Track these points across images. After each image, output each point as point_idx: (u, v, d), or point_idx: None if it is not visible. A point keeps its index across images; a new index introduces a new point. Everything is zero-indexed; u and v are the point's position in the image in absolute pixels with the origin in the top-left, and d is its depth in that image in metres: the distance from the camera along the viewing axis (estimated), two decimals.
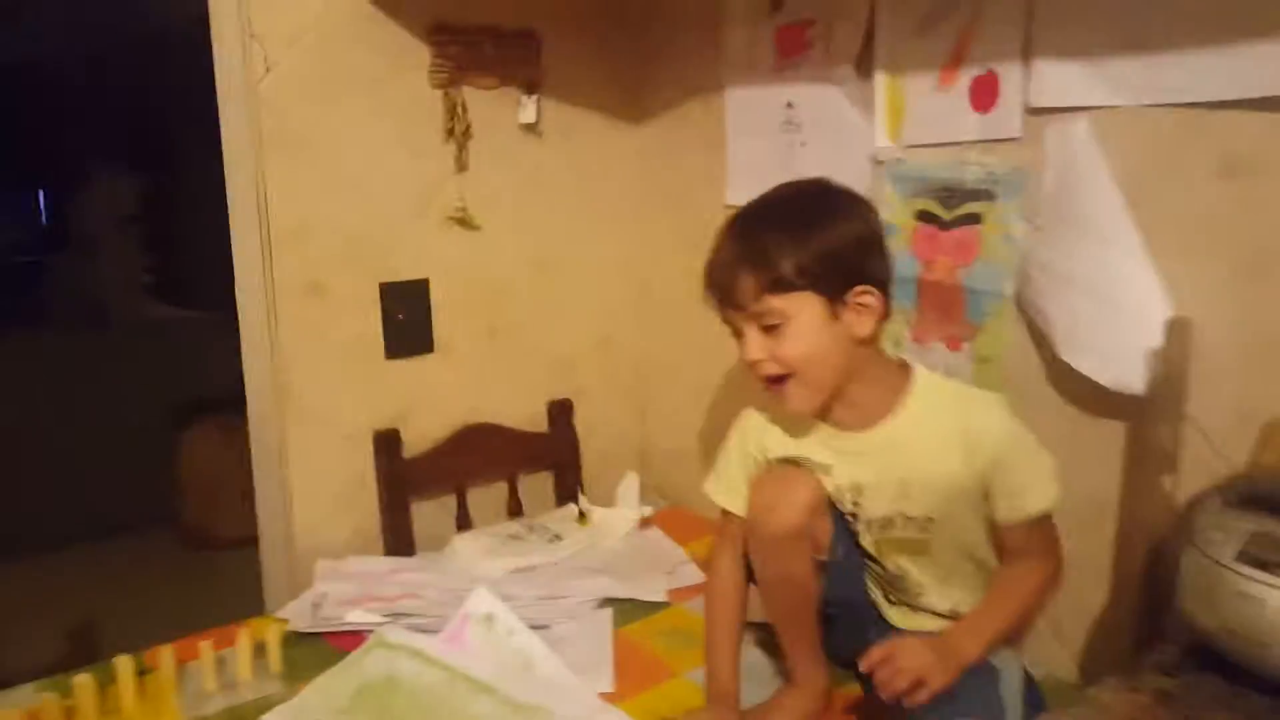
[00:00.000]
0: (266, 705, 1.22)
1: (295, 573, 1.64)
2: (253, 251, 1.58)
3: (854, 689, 1.22)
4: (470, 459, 1.81)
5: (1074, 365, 1.18)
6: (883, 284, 1.08)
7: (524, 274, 1.85)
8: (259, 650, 1.32)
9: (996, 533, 1.12)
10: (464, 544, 1.67)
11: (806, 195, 1.11)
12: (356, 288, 1.66)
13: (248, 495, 3.42)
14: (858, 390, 1.11)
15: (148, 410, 3.40)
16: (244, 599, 1.59)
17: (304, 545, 1.65)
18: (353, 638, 1.37)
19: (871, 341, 1.10)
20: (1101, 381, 1.15)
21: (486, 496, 1.85)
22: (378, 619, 1.40)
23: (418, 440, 1.75)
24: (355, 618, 1.40)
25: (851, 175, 1.46)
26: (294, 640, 1.36)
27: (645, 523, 1.81)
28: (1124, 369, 1.13)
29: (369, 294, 1.68)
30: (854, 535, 1.17)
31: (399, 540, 1.71)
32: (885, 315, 1.09)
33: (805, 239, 1.05)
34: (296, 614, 1.44)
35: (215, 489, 3.34)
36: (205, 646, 1.28)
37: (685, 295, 1.88)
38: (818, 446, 1.16)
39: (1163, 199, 1.12)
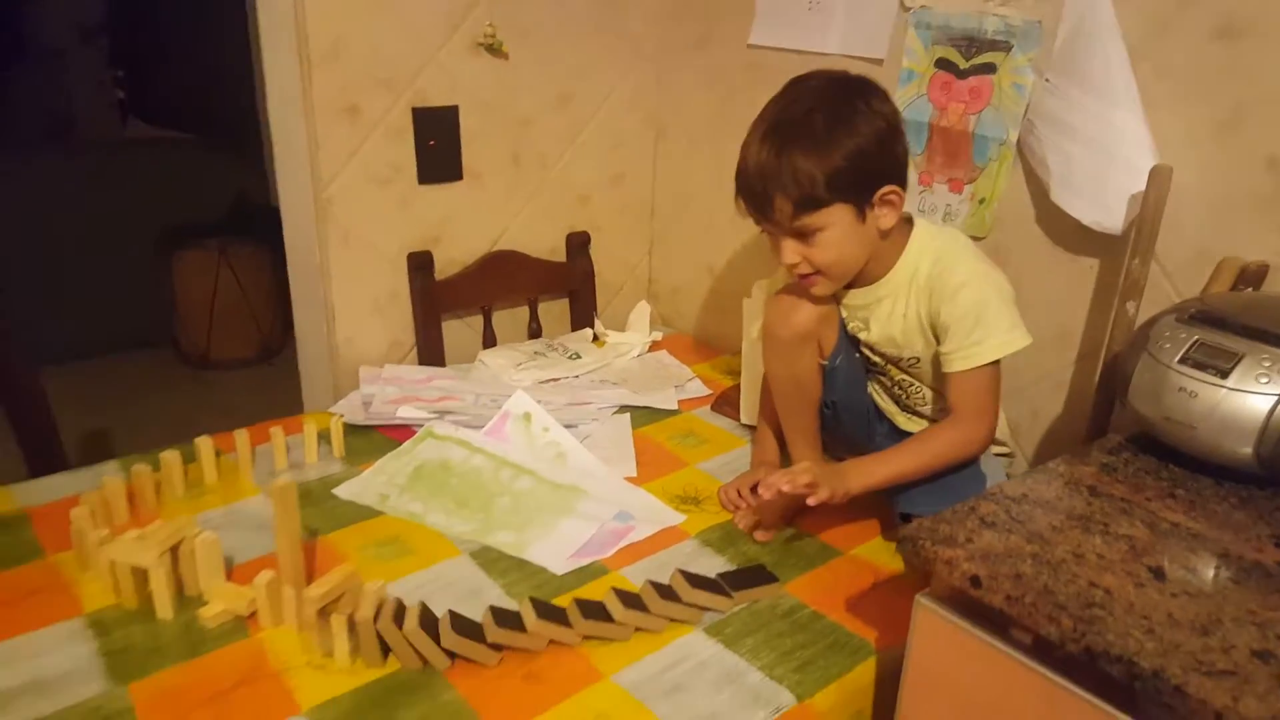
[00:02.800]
0: (333, 483, 1.39)
1: (338, 379, 1.78)
2: (289, 71, 1.63)
3: None
4: (495, 283, 1.93)
5: (1063, 207, 1.32)
6: (903, 174, 1.17)
7: (547, 107, 1.93)
8: (322, 438, 1.48)
9: (944, 385, 1.23)
10: (492, 358, 1.82)
11: (824, 102, 1.14)
12: (390, 111, 1.73)
13: (242, 319, 3.54)
14: (876, 261, 1.23)
15: (133, 234, 3.40)
16: (251, 411, 1.70)
17: (344, 354, 1.78)
18: (403, 430, 1.54)
19: (891, 231, 1.20)
20: (1085, 222, 1.30)
21: (509, 318, 1.99)
22: (425, 415, 1.56)
23: (447, 264, 1.87)
24: (405, 413, 1.56)
25: (878, 20, 1.56)
26: (349, 431, 1.52)
27: (654, 346, 1.98)
28: (1108, 212, 1.27)
29: (402, 119, 1.75)
30: (859, 348, 1.34)
31: (431, 353, 1.85)
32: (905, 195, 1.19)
33: (831, 153, 1.11)
34: (348, 410, 1.59)
35: (209, 312, 3.43)
36: (276, 431, 1.44)
37: (700, 136, 2.00)
38: (845, 295, 1.30)
39: (1160, 56, 1.24)
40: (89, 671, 0.98)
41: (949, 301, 1.18)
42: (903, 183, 1.18)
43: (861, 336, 1.31)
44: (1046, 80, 1.33)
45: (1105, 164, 1.26)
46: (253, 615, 1.08)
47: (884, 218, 1.17)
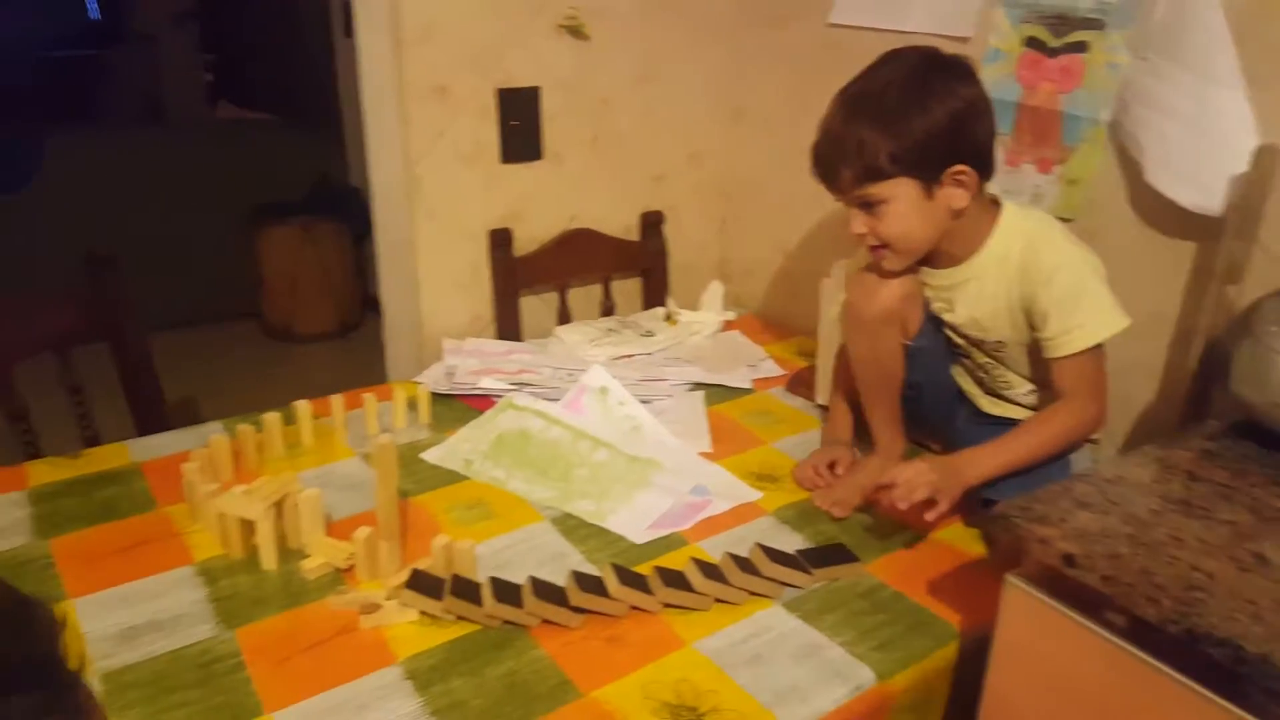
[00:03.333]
0: (420, 447, 1.43)
1: (421, 352, 1.83)
2: (382, 52, 1.67)
3: None
4: (571, 260, 1.96)
5: (1159, 188, 1.30)
6: (980, 155, 1.16)
7: (625, 87, 1.94)
8: (409, 405, 1.53)
9: (1050, 371, 1.21)
10: (567, 333, 1.85)
11: (903, 77, 1.13)
12: (476, 92, 1.77)
13: (322, 294, 3.65)
14: (949, 239, 1.22)
15: (221, 211, 3.52)
16: (331, 382, 1.75)
17: (427, 327, 1.83)
18: (484, 400, 1.57)
19: (964, 211, 1.18)
20: (1183, 204, 1.27)
21: (584, 295, 2.02)
22: (506, 386, 1.60)
23: (526, 241, 1.90)
24: (487, 384, 1.60)
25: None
26: (434, 400, 1.56)
27: (727, 326, 1.99)
28: (1207, 193, 1.24)
29: (487, 99, 1.78)
30: (943, 329, 1.34)
31: (509, 328, 1.89)
32: (985, 181, 1.18)
33: (898, 128, 1.11)
34: (433, 380, 1.64)
35: (293, 287, 3.53)
36: (369, 398, 1.48)
37: (776, 116, 1.99)
38: (928, 277, 1.29)
39: (1264, 33, 1.21)
40: (200, 615, 1.04)
41: (1045, 285, 1.17)
42: (980, 165, 1.16)
43: (946, 318, 1.30)
44: (1143, 59, 1.30)
45: (1204, 144, 1.23)
46: (350, 569, 1.12)
47: (955, 197, 1.16)
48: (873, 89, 1.14)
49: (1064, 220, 1.44)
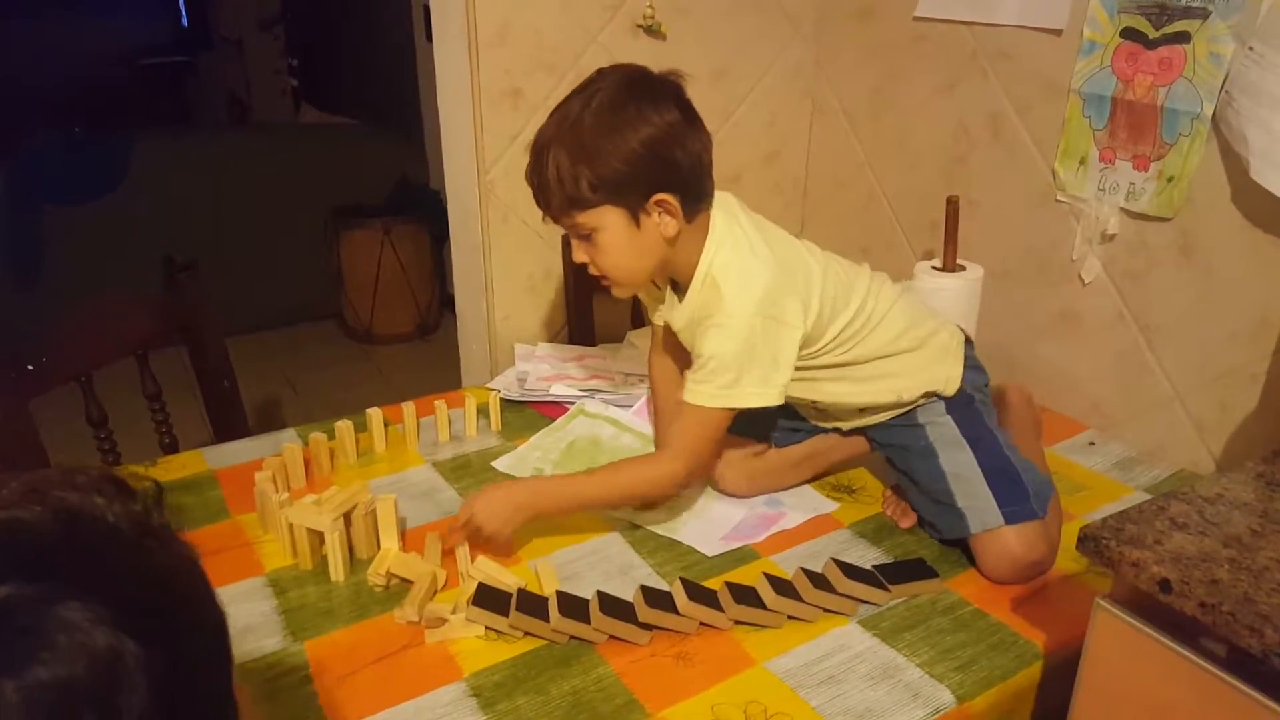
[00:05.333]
0: (490, 455, 1.43)
1: (495, 355, 1.83)
2: (458, 56, 1.67)
3: None
4: None
5: (1266, 186, 1.21)
6: (684, 181, 1.11)
7: (702, 85, 1.89)
8: (481, 412, 1.53)
9: None
10: (640, 338, 1.83)
11: (600, 103, 1.08)
12: (551, 94, 1.75)
13: (402, 295, 3.70)
14: (675, 268, 1.19)
15: (304, 213, 3.59)
16: (410, 383, 1.76)
17: (500, 331, 1.83)
18: (555, 408, 1.57)
19: (679, 238, 1.13)
20: None
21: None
22: (577, 393, 1.59)
23: None
24: (558, 390, 1.59)
25: None
26: (505, 407, 1.56)
27: None
28: None
29: (560, 100, 1.77)
30: None
31: (582, 333, 1.87)
32: (696, 205, 1.13)
33: (595, 157, 1.07)
34: (504, 387, 1.63)
35: (373, 289, 3.59)
36: (440, 405, 1.49)
37: (858, 113, 1.94)
38: (664, 311, 1.27)
39: None
40: (270, 627, 1.04)
41: (703, 327, 1.14)
42: (685, 190, 1.11)
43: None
44: (1250, 49, 1.22)
45: None
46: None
47: (664, 225, 1.11)
48: (571, 114, 1.09)
49: (1161, 219, 1.39)
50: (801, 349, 1.16)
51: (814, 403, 1.29)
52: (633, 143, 1.07)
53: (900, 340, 1.23)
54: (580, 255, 1.17)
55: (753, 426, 1.30)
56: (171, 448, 1.54)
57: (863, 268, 1.27)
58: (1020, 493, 1.16)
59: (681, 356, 1.31)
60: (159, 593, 0.48)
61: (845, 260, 1.27)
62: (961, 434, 1.21)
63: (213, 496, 1.30)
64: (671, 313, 1.24)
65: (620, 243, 1.12)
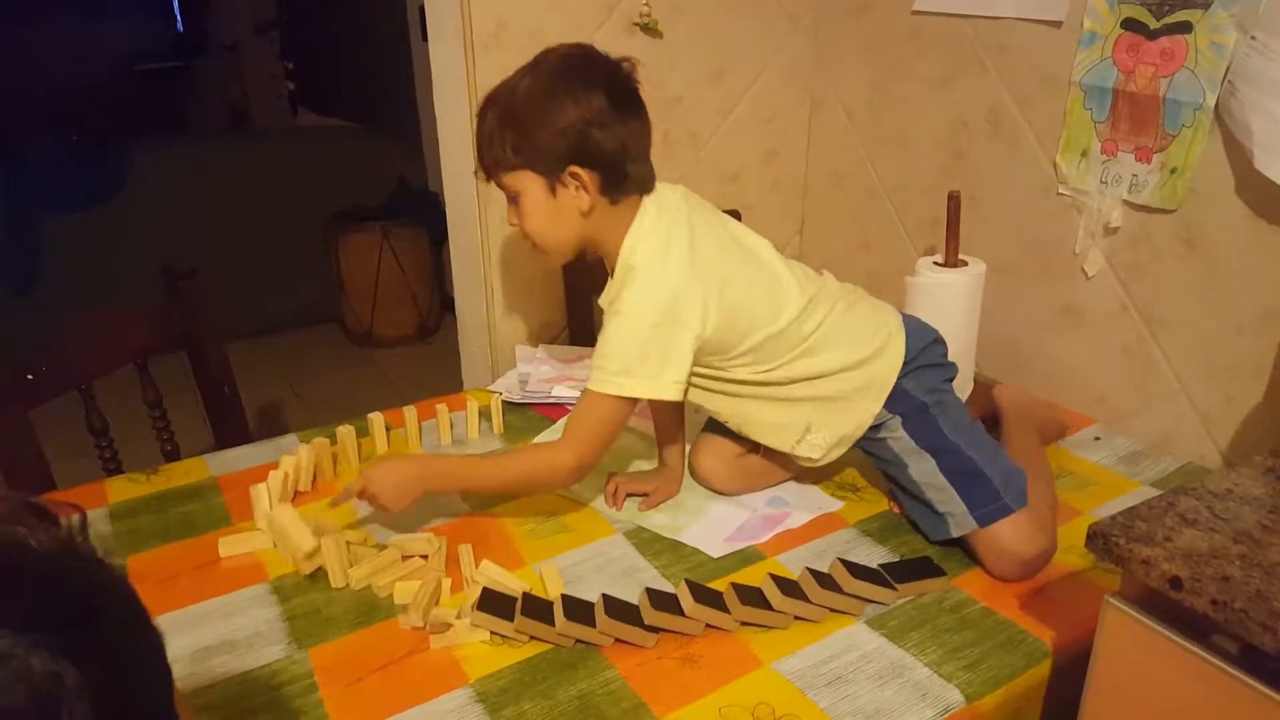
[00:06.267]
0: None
1: (495, 357, 1.82)
2: (454, 58, 1.67)
3: None
4: None
5: (1270, 176, 1.21)
6: (603, 162, 1.13)
7: (700, 84, 1.90)
8: (482, 415, 1.52)
9: None
10: None
11: (539, 74, 1.14)
12: None
13: (402, 298, 3.69)
14: (602, 249, 1.21)
15: (302, 217, 3.58)
16: (411, 386, 1.75)
17: (500, 334, 1.82)
18: (557, 409, 1.56)
19: (595, 211, 1.16)
20: None
21: None
22: (578, 394, 1.57)
23: None
24: (560, 392, 1.58)
25: None
26: (507, 409, 1.55)
27: None
28: None
29: None
30: None
31: (582, 333, 1.86)
32: (616, 191, 1.15)
33: (520, 122, 1.12)
34: (506, 389, 1.63)
35: (373, 292, 3.59)
36: (441, 409, 1.48)
37: (857, 109, 1.93)
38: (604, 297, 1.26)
39: None
40: (273, 635, 1.04)
41: (609, 313, 1.16)
42: (604, 171, 1.13)
43: None
44: (1252, 38, 1.21)
45: None
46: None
47: (579, 199, 1.15)
48: (510, 84, 1.16)
49: (1165, 211, 1.38)
50: (710, 355, 1.18)
51: (725, 422, 1.29)
52: (554, 116, 1.12)
53: (823, 382, 1.22)
54: (510, 218, 1.21)
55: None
56: (173, 455, 1.53)
57: (819, 283, 1.26)
58: (989, 493, 1.16)
59: None
60: (92, 616, 0.47)
61: (802, 273, 1.25)
62: (919, 445, 1.21)
63: (215, 504, 1.29)
64: (605, 294, 1.25)
65: (538, 208, 1.16)
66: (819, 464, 1.28)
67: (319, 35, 4.91)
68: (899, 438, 1.22)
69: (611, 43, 1.76)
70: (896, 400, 1.22)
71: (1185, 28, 1.29)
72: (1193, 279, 1.38)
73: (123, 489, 1.33)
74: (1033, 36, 1.53)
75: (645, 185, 1.19)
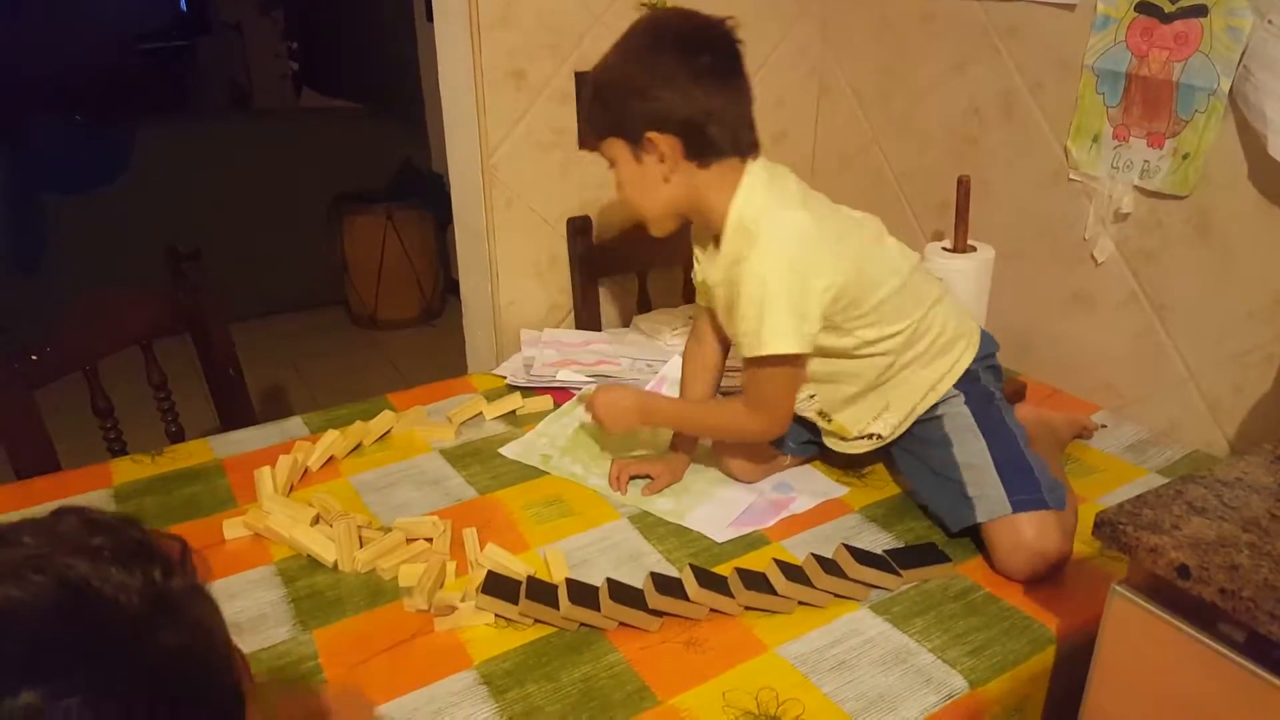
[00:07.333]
0: (498, 442, 1.42)
1: (500, 340, 1.81)
2: (459, 38, 1.65)
3: None
4: (650, 247, 1.89)
5: None
6: (686, 130, 1.11)
7: None
8: (488, 398, 1.51)
9: None
10: (647, 322, 1.82)
11: (632, 41, 1.15)
12: (554, 76, 1.73)
13: (406, 281, 3.68)
14: (705, 217, 1.19)
15: (306, 199, 3.57)
16: (415, 369, 1.74)
17: (506, 316, 1.82)
18: (562, 393, 1.55)
19: (681, 176, 1.14)
20: None
21: (664, 283, 1.97)
22: (583, 378, 1.58)
23: (604, 228, 1.86)
24: (565, 376, 1.58)
25: None
26: (512, 393, 1.54)
27: None
28: None
29: (564, 83, 1.75)
30: None
31: (588, 317, 1.86)
32: (703, 158, 1.13)
33: (608, 89, 1.15)
34: (511, 373, 1.62)
35: (377, 274, 3.58)
36: (447, 392, 1.48)
37: (867, 91, 1.92)
38: (702, 266, 1.26)
39: None
40: (279, 617, 1.04)
41: (743, 281, 1.13)
42: (687, 139, 1.12)
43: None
44: (1269, 22, 1.20)
45: None
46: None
47: (661, 166, 1.14)
48: (612, 49, 1.17)
49: (1176, 197, 1.37)
50: (839, 312, 1.16)
51: (801, 402, 1.27)
52: (628, 81, 1.12)
53: (923, 356, 1.22)
54: (616, 189, 1.21)
55: None
56: (178, 436, 1.53)
57: (916, 258, 1.27)
58: (1031, 484, 1.14)
59: (715, 343, 1.34)
60: (165, 678, 0.47)
61: (900, 244, 1.27)
62: (977, 424, 1.20)
63: (220, 485, 1.29)
64: (710, 266, 1.23)
65: (628, 175, 1.17)
66: (874, 448, 1.28)
67: (323, 15, 4.88)
68: (958, 414, 1.21)
69: (620, 23, 1.70)
70: (965, 381, 1.23)
71: (1201, 11, 1.28)
72: (1203, 266, 1.37)
73: (127, 470, 1.32)
74: (1045, 19, 1.51)
75: (742, 148, 1.16)
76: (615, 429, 1.25)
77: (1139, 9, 1.35)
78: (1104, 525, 0.85)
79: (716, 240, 1.20)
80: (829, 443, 1.32)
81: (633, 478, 1.31)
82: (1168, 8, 1.31)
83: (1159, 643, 0.83)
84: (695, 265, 1.28)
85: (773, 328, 1.11)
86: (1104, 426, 1.46)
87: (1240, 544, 0.79)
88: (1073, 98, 1.48)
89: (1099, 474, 1.34)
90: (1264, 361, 1.32)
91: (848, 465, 1.36)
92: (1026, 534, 1.11)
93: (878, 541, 1.19)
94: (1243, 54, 1.24)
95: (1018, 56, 1.57)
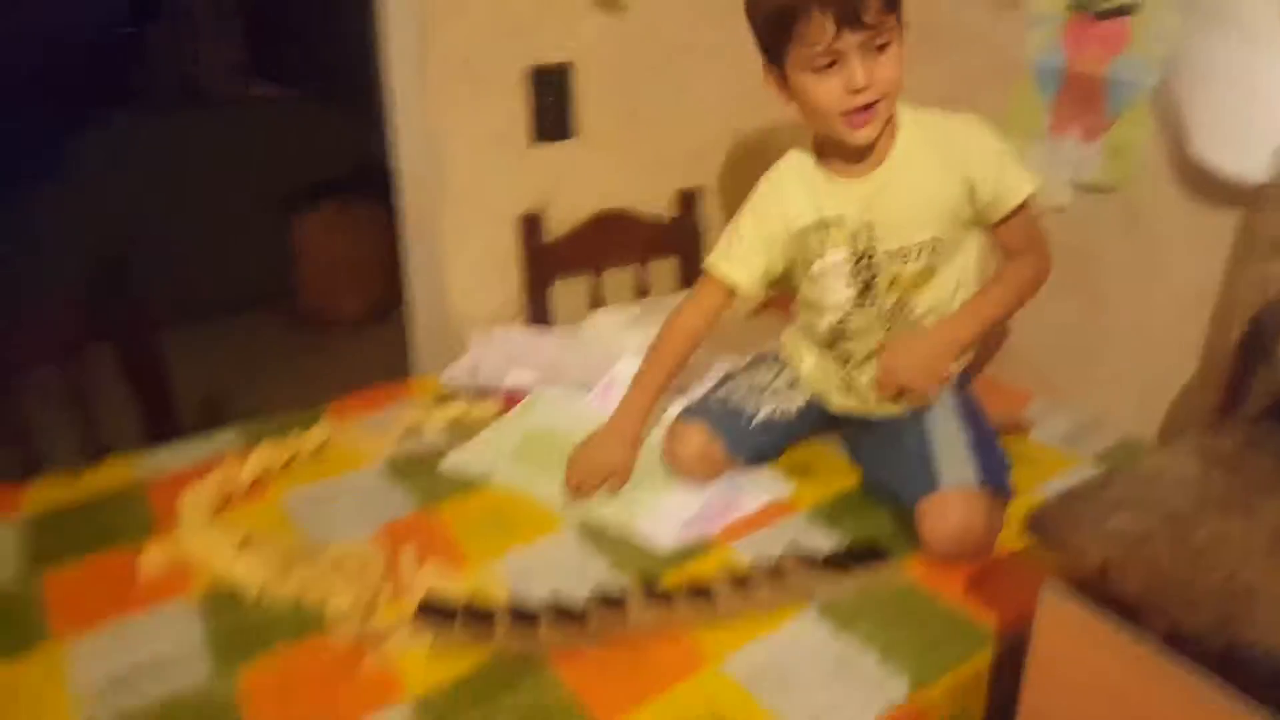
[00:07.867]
0: (442, 450, 1.38)
1: (448, 340, 1.79)
2: (410, 29, 1.62)
3: None
4: (604, 242, 1.90)
5: (1205, 157, 1.22)
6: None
7: (663, 59, 1.86)
8: (433, 404, 1.48)
9: (995, 237, 1.22)
10: (603, 318, 1.79)
11: None
12: (505, 69, 1.70)
13: (358, 278, 3.59)
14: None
15: (255, 193, 3.47)
16: (367, 369, 1.70)
17: (454, 315, 1.79)
18: (510, 398, 1.53)
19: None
20: (1226, 172, 1.20)
21: (618, 278, 1.96)
22: (533, 380, 1.55)
23: (558, 223, 1.84)
24: (513, 379, 1.55)
25: None
26: (458, 398, 1.51)
27: (760, 308, 1.91)
28: (1252, 163, 1.17)
29: (516, 76, 1.72)
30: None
31: (540, 314, 1.84)
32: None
33: None
34: (459, 375, 1.59)
35: (330, 271, 3.50)
36: (391, 398, 1.45)
37: None
38: (830, 200, 1.24)
39: None
40: (198, 655, 0.99)
41: (977, 150, 1.16)
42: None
43: (874, 250, 1.23)
44: (1191, 22, 1.20)
45: (1251, 111, 1.15)
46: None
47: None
48: None
49: (1109, 191, 1.38)
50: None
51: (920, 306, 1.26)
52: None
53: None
54: (860, 79, 1.10)
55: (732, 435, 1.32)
56: (104, 452, 1.42)
57: None
58: (1000, 467, 1.18)
59: (707, 328, 1.35)
60: None
61: None
62: (955, 408, 1.23)
63: (140, 512, 1.22)
64: (845, 196, 1.22)
65: (900, 55, 1.12)
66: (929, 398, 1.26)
67: (275, 3, 4.77)
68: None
69: (573, 16, 1.72)
70: None
71: (1129, 10, 1.29)
72: (1133, 258, 1.38)
73: (42, 493, 1.26)
74: (982, 18, 1.50)
75: None
76: (935, 385, 1.21)
77: (1073, 7, 1.36)
78: (1035, 524, 0.85)
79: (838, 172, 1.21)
80: (854, 406, 1.32)
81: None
82: (1100, 6, 1.32)
83: (1089, 639, 0.84)
84: (824, 211, 1.24)
85: (1017, 173, 1.16)
86: (1033, 424, 1.47)
87: (1162, 538, 0.80)
88: (1009, 94, 1.48)
89: (1032, 464, 1.32)
90: (1186, 352, 1.35)
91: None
92: (957, 509, 1.13)
93: (825, 541, 1.19)
94: (1169, 52, 1.24)
95: (954, 54, 1.56)
